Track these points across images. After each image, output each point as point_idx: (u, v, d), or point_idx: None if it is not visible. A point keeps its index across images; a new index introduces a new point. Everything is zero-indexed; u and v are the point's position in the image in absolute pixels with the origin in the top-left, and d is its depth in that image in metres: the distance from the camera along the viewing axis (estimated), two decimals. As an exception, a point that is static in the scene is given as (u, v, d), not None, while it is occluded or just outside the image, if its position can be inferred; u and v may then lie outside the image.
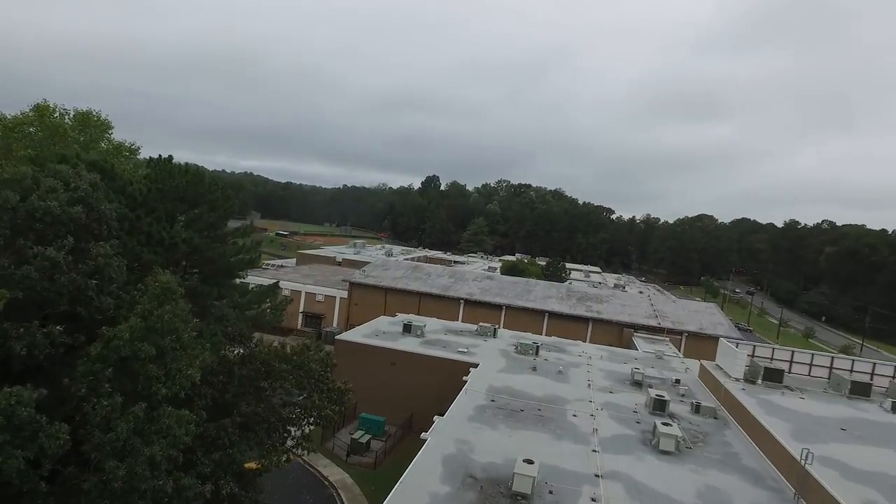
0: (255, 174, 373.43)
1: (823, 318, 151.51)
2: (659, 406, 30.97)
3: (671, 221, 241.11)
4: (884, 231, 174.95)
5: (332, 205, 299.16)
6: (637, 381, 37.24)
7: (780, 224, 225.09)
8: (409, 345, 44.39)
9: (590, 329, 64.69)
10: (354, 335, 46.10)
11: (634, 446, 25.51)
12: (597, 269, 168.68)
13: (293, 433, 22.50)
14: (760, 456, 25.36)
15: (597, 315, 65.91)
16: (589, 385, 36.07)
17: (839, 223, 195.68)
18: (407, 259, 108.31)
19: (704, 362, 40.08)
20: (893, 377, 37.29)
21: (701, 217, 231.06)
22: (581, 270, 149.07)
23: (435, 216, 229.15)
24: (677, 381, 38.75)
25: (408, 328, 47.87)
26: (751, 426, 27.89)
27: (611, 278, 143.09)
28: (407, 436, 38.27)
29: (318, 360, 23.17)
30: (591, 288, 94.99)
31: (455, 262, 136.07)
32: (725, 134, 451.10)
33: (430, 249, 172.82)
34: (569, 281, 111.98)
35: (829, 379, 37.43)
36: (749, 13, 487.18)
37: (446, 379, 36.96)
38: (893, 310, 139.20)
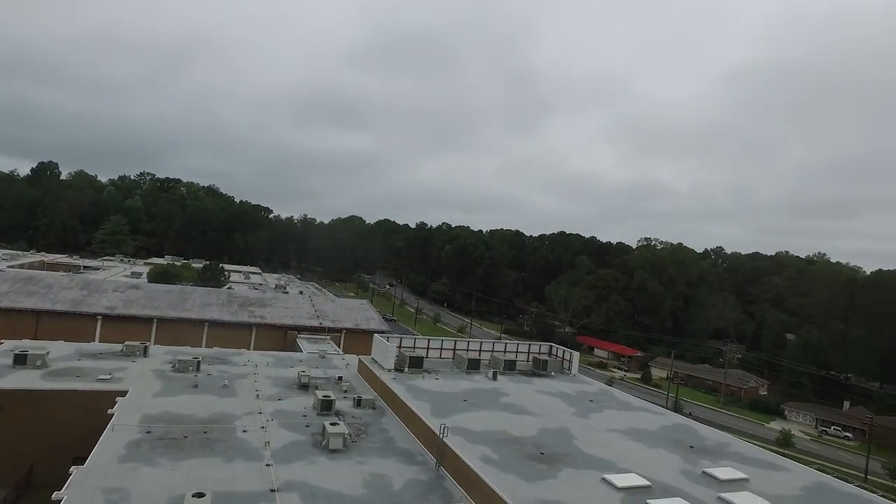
0: None
1: (446, 304, 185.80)
2: (326, 406, 33.05)
3: (327, 221, 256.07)
4: (480, 231, 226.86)
5: None
6: (304, 384, 38.67)
7: (413, 225, 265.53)
8: (25, 380, 35.37)
9: (254, 335, 63.67)
10: (-70, 378, 34.12)
11: (307, 451, 26.74)
12: (257, 269, 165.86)
13: None
14: (412, 437, 29.95)
15: (260, 320, 65.32)
16: (257, 395, 35.73)
17: (454, 225, 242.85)
18: (13, 266, 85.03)
19: (362, 357, 44.48)
20: (492, 352, 48.79)
21: (352, 218, 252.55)
22: (241, 272, 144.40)
23: (54, 211, 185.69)
24: (340, 378, 41.98)
25: (21, 359, 38.01)
26: (402, 411, 32.62)
27: (271, 279, 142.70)
28: (24, 496, 30.72)
29: None
30: (252, 291, 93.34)
31: (86, 267, 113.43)
32: (369, 142, 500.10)
33: (50, 253, 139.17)
34: (229, 285, 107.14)
35: (453, 359, 46.51)
36: (382, 40, 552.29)
37: (85, 416, 31.03)
38: (489, 295, 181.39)
